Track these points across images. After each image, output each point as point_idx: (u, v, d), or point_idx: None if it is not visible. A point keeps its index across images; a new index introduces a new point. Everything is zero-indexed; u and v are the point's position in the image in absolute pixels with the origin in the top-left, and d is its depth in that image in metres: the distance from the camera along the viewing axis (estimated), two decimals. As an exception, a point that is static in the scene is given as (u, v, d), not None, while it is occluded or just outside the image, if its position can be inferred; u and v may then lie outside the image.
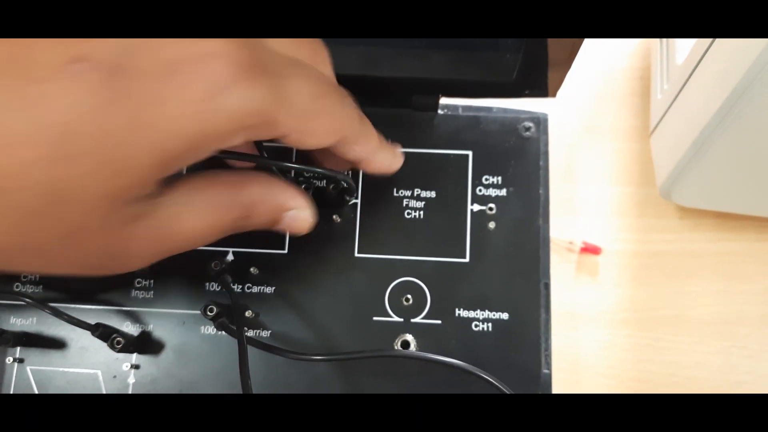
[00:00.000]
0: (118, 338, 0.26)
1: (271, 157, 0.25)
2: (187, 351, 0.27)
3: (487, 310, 0.27)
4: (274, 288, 0.28)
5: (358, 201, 0.28)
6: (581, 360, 0.30)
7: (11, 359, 0.27)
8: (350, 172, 0.28)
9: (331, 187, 0.27)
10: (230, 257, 0.28)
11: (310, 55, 0.20)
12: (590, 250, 0.31)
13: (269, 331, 0.27)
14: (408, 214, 0.28)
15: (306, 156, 0.28)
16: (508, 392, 0.24)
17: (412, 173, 0.29)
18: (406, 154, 0.29)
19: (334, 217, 0.28)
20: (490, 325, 0.27)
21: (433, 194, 0.28)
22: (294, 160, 0.29)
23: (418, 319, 0.27)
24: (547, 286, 0.27)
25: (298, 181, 0.27)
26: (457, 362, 0.24)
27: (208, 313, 0.26)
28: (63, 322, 0.26)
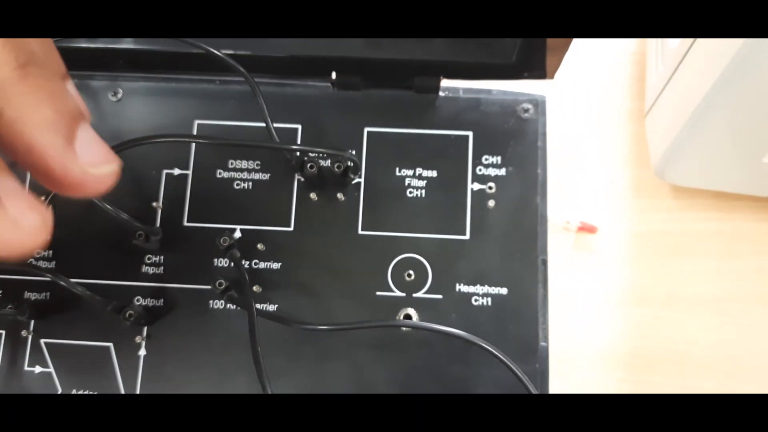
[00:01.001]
0: (129, 312, 0.27)
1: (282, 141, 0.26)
2: (196, 324, 0.28)
3: (486, 286, 0.28)
4: (280, 264, 0.28)
5: (362, 180, 0.29)
6: (578, 336, 0.31)
7: (25, 332, 0.28)
8: (354, 151, 0.29)
9: (336, 166, 0.28)
10: (238, 234, 0.29)
11: None
12: (587, 229, 0.32)
13: (276, 305, 0.28)
14: (410, 192, 0.29)
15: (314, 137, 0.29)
16: (506, 361, 0.25)
17: (414, 153, 0.29)
18: (409, 134, 0.30)
19: (339, 195, 0.29)
20: (489, 299, 0.28)
21: (434, 174, 0.29)
22: (299, 141, 0.30)
23: (419, 294, 0.28)
24: (544, 262, 0.28)
25: (304, 160, 0.28)
26: (458, 332, 0.25)
27: (218, 287, 0.27)
28: (76, 296, 0.27)
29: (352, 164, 0.27)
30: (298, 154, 0.28)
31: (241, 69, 0.28)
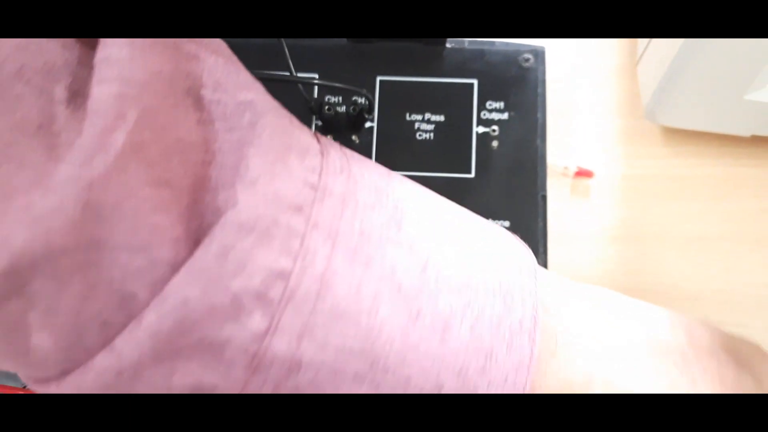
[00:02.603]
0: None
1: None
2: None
3: (490, 219, 0.30)
4: (300, 200, 0.31)
5: (375, 124, 0.32)
6: (576, 272, 0.33)
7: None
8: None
9: (351, 108, 0.30)
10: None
11: None
12: (584, 173, 0.34)
13: (296, 238, 0.30)
14: (419, 135, 0.32)
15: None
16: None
17: (423, 100, 0.32)
18: (419, 83, 0.32)
19: (354, 138, 0.31)
20: (493, 231, 0.30)
21: (442, 118, 0.32)
22: (316, 90, 0.32)
23: (429, 227, 0.30)
24: (544, 198, 0.31)
25: (321, 103, 0.30)
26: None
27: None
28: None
29: (366, 102, 0.30)
30: (316, 96, 0.30)
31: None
